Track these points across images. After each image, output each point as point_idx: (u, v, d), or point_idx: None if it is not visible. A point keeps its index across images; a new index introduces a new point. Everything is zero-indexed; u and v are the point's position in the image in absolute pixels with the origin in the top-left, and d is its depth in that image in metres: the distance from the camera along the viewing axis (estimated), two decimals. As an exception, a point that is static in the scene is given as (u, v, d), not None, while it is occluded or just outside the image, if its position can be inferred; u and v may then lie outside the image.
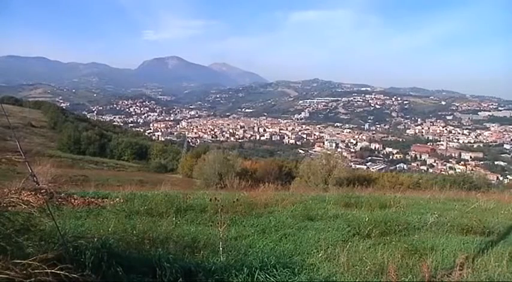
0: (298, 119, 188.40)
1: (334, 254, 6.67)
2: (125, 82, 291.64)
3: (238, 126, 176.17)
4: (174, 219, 9.08)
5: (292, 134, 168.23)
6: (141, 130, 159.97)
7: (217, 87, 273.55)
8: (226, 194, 13.37)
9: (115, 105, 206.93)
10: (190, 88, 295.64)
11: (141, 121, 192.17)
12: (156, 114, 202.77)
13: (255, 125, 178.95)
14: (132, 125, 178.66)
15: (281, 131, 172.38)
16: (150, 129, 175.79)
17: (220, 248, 5.95)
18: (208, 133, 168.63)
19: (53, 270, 3.26)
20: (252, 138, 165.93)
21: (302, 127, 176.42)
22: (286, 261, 5.76)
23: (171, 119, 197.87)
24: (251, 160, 57.54)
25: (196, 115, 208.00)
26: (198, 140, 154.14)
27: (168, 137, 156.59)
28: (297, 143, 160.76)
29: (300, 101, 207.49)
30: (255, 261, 5.26)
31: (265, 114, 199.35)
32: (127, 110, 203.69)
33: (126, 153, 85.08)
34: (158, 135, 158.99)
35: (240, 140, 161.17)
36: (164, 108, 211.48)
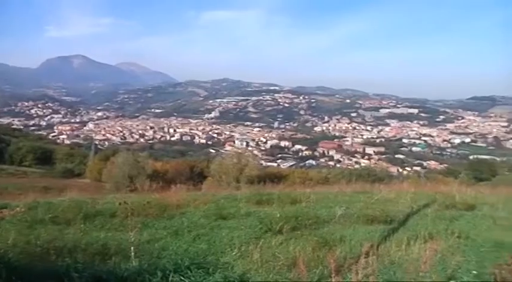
0: (208, 119, 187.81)
1: (248, 251, 6.76)
2: (25, 82, 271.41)
3: (148, 127, 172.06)
4: (82, 226, 8.70)
5: (203, 133, 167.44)
6: (45, 133, 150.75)
7: (125, 87, 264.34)
8: (137, 197, 13.07)
9: (13, 107, 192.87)
10: (98, 88, 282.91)
11: (44, 124, 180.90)
12: (60, 116, 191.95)
13: (165, 125, 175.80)
14: (34, 128, 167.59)
15: (192, 131, 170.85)
16: (55, 132, 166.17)
17: (132, 253, 5.78)
18: (117, 135, 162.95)
19: None
20: (162, 139, 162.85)
21: (213, 127, 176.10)
22: (200, 262, 5.73)
23: (77, 121, 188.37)
24: (162, 161, 56.45)
25: (104, 116, 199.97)
26: (106, 142, 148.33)
27: (75, 140, 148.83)
28: (208, 142, 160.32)
29: (210, 101, 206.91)
30: (168, 264, 5.18)
31: (175, 114, 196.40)
32: (27, 112, 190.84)
33: (28, 158, 79.60)
34: (63, 139, 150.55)
35: (150, 141, 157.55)
36: (69, 109, 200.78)
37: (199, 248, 7.12)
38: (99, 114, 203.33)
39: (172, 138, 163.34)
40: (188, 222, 9.27)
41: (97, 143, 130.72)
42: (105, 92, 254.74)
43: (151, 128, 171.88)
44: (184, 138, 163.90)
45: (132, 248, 5.88)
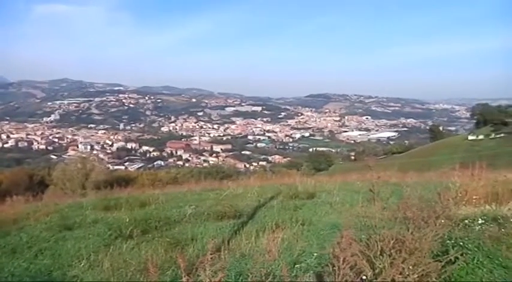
0: (47, 122, 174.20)
1: (98, 260, 6.47)
2: None
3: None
4: None
5: (42, 138, 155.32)
6: None
7: None
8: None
9: None
10: None
11: None
12: None
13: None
14: None
15: (29, 136, 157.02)
16: None
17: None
18: None
19: None
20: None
21: (53, 131, 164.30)
22: (44, 279, 5.35)
23: None
24: (-6, 172, 51.03)
25: None
26: None
27: None
28: (48, 148, 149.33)
29: (49, 103, 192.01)
30: (5, 287, 4.72)
31: (8, 118, 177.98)
32: None
33: None
34: None
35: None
36: None
37: (42, 264, 6.58)
38: None
39: (6, 145, 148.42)
40: (28, 238, 8.48)
41: None
42: None
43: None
44: (20, 144, 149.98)
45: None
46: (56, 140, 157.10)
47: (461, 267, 4.84)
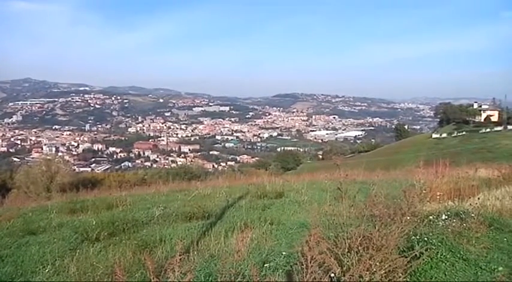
0: (9, 124, 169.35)
1: (63, 265, 6.31)
2: None
3: None
4: None
5: (3, 140, 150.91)
6: None
7: None
8: None
9: None
10: None
11: None
12: None
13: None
14: None
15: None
16: None
17: None
18: None
19: None
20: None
21: (15, 132, 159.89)
22: (5, 288, 5.18)
23: None
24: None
25: None
26: None
27: None
28: (10, 150, 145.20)
29: (10, 103, 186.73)
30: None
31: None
32: None
33: None
34: None
35: None
36: None
37: (2, 272, 6.33)
38: None
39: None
40: (-13, 245, 8.20)
41: None
42: None
43: None
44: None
45: None
46: (19, 142, 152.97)
47: (426, 261, 4.98)
